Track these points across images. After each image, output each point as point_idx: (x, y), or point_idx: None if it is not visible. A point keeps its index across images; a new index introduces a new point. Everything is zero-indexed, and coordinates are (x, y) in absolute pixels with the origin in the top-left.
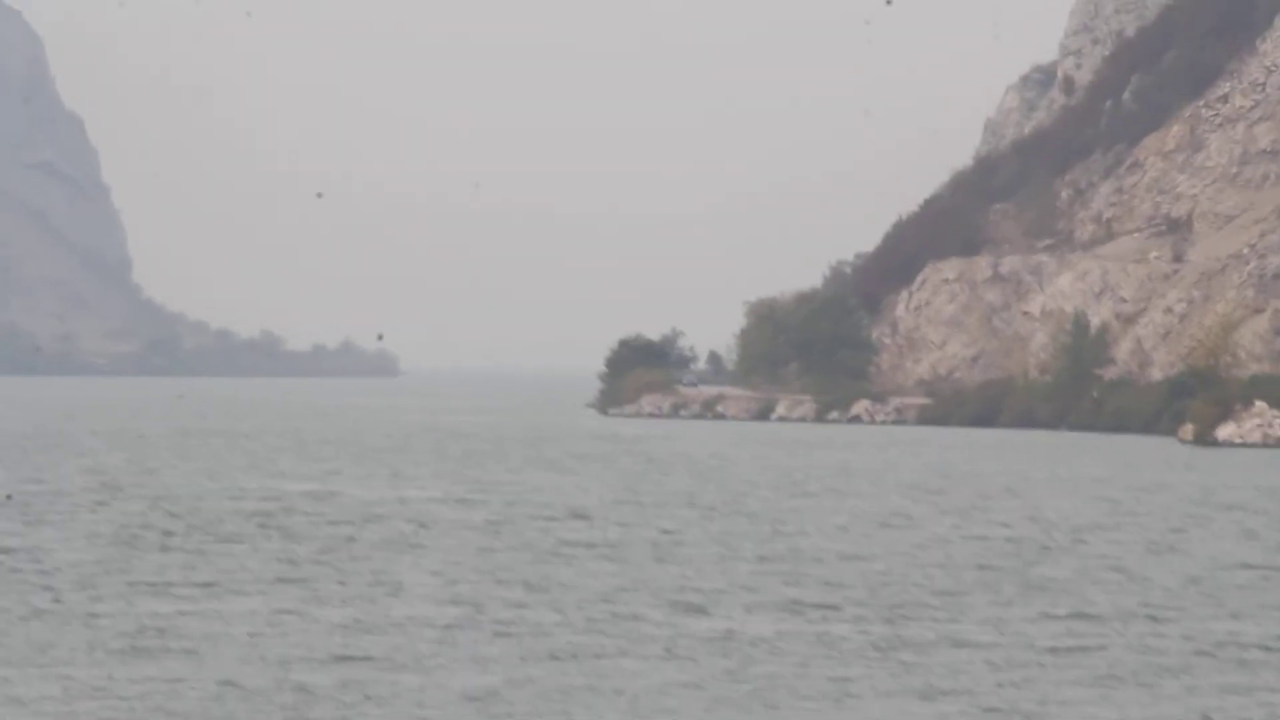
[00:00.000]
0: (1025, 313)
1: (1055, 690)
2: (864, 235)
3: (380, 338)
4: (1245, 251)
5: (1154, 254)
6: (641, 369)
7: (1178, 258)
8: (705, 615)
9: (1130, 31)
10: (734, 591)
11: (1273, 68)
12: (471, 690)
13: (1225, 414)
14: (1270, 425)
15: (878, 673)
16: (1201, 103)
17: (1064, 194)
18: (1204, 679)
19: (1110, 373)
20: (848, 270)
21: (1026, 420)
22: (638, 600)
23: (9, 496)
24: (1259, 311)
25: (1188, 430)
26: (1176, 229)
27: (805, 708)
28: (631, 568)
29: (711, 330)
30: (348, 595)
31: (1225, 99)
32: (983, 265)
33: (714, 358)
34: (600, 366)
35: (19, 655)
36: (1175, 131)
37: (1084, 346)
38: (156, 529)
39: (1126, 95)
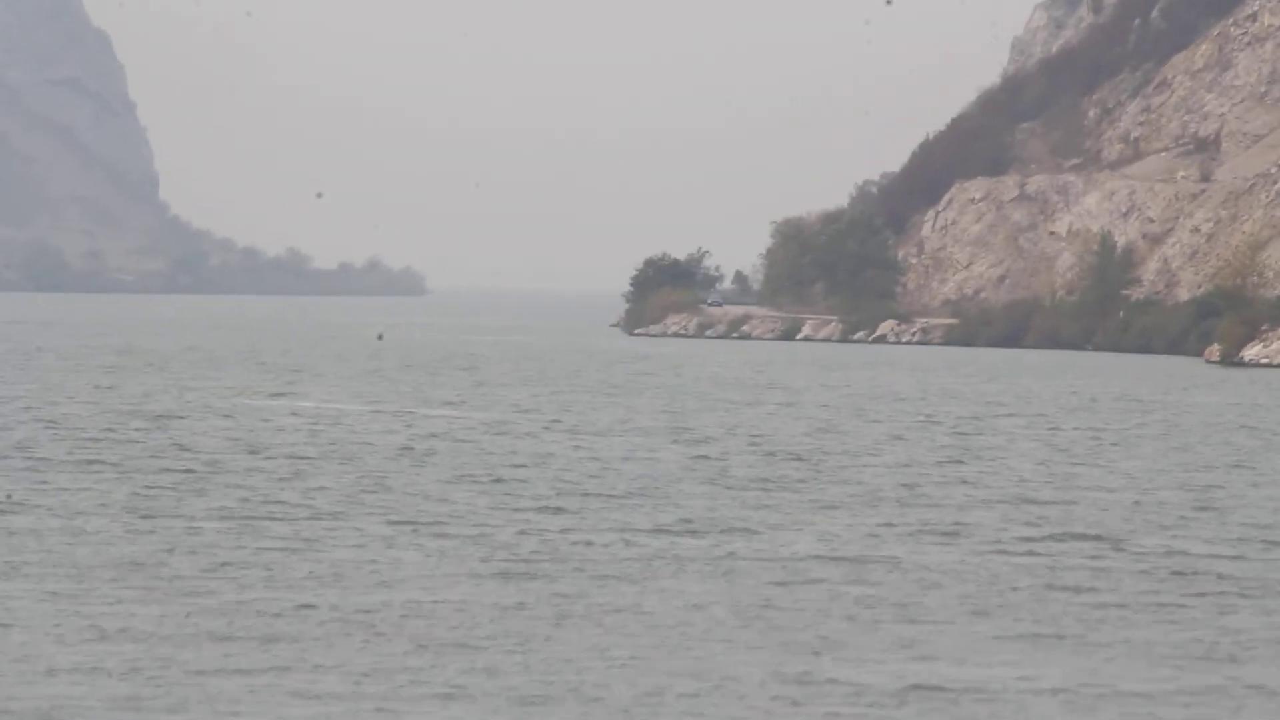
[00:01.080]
0: (1052, 232)
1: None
2: (891, 155)
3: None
4: (1273, 171)
5: (1181, 173)
6: (667, 289)
7: (1205, 177)
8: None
9: None
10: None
11: None
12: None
13: (1252, 334)
14: None
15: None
16: (1230, 21)
17: (1091, 113)
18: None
19: (1137, 293)
20: (874, 190)
21: (1053, 340)
22: None
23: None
24: None
25: (1214, 350)
26: (1204, 148)
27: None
28: None
29: (738, 250)
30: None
31: (1254, 17)
32: (1009, 185)
33: (740, 278)
34: (626, 287)
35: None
36: (1203, 50)
37: (1110, 266)
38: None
39: (1155, 13)
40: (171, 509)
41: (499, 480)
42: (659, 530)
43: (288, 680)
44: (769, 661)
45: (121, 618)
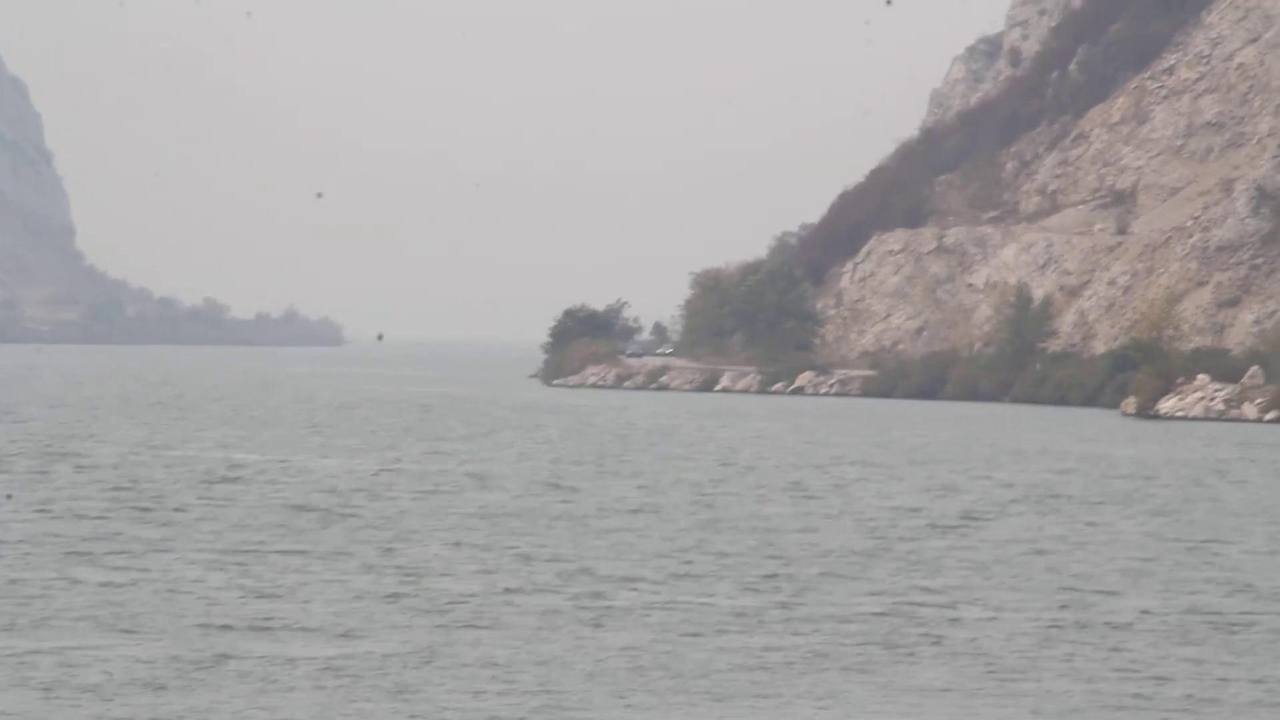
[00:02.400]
0: (970, 284)
1: None
2: (809, 206)
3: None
4: (1189, 224)
5: (1098, 226)
6: (586, 339)
7: (1122, 230)
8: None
9: (1077, 3)
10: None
11: (1218, 40)
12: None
13: (1167, 387)
14: (1212, 398)
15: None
16: (1147, 74)
17: (1009, 165)
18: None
19: (1054, 345)
20: (793, 241)
21: (970, 393)
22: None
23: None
24: (1202, 284)
25: (1130, 403)
26: (1121, 201)
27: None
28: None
29: (657, 301)
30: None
31: (1170, 71)
32: (927, 237)
33: (659, 328)
34: (544, 337)
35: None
36: (1120, 103)
37: (1027, 319)
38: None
39: (1072, 67)
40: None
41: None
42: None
43: None
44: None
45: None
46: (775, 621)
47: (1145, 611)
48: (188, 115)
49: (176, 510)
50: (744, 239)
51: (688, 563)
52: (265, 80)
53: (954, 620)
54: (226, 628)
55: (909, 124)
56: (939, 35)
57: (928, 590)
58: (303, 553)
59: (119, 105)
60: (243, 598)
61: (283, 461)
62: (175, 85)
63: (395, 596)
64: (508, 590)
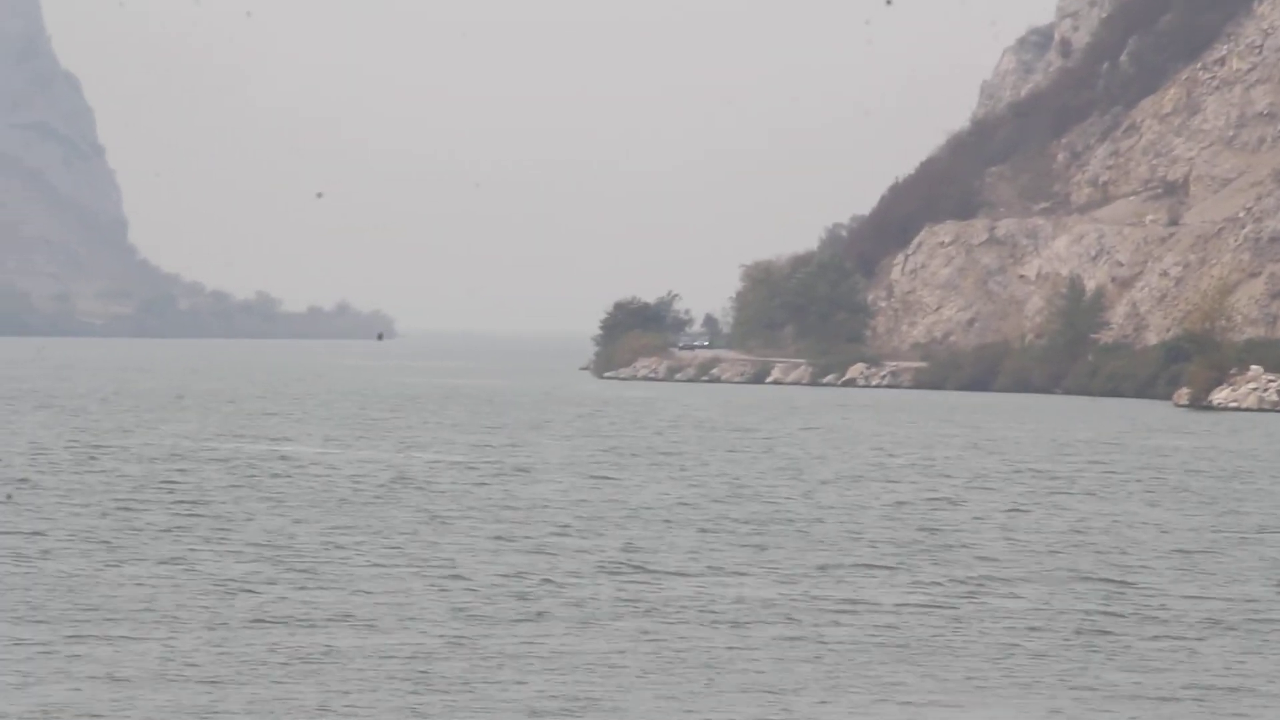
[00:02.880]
0: (1021, 276)
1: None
2: (860, 198)
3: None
4: (1241, 215)
5: (1150, 217)
6: (637, 332)
7: (1174, 221)
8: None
9: None
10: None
11: (1270, 30)
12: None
13: (1220, 378)
14: (1265, 389)
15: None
16: (1199, 65)
17: (1060, 157)
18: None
19: (1106, 336)
20: (844, 233)
21: (1022, 384)
22: None
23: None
24: (1255, 275)
25: (1183, 394)
26: (1173, 192)
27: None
28: None
29: (708, 293)
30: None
31: (1222, 62)
32: (979, 228)
33: (710, 321)
34: (595, 330)
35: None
36: (1172, 94)
37: (1079, 310)
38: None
39: (1123, 58)
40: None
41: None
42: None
43: None
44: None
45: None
46: (816, 612)
47: (1189, 597)
48: (234, 114)
49: (224, 504)
50: (795, 231)
51: (763, 553)
52: (302, 90)
53: (1004, 612)
54: (272, 621)
55: (959, 115)
56: (987, 29)
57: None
58: (350, 544)
59: (172, 98)
60: (292, 589)
61: (366, 457)
62: (228, 84)
63: (448, 585)
64: (549, 581)
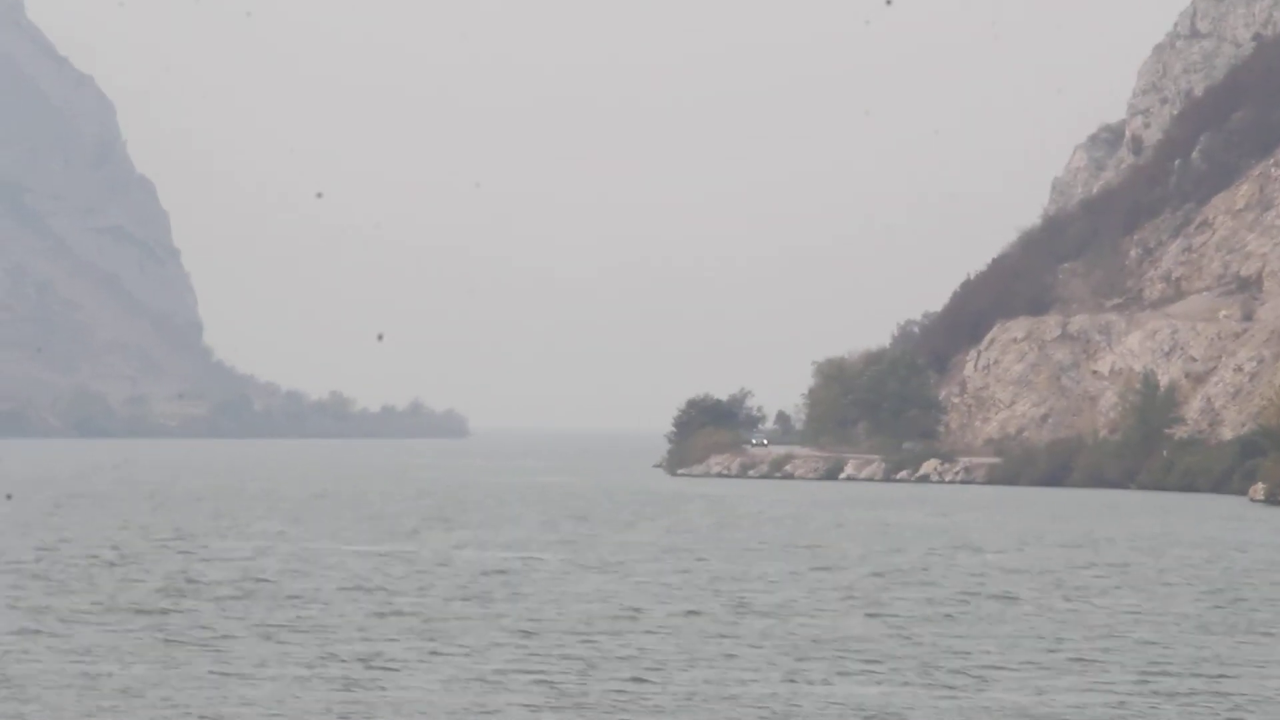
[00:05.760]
0: (1094, 371)
1: None
2: (932, 295)
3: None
4: None
5: (1223, 312)
6: (709, 428)
7: (1247, 316)
8: None
9: (1199, 91)
10: None
11: None
12: None
13: None
14: None
15: None
16: (1271, 161)
17: (1133, 253)
18: None
19: (1180, 431)
20: (915, 329)
21: (1096, 479)
22: None
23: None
24: None
25: (1259, 489)
26: (1246, 287)
27: None
28: None
29: (780, 390)
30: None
31: None
32: (1051, 324)
33: (782, 417)
34: (667, 427)
35: None
36: (1244, 190)
37: (1153, 405)
38: None
39: (1195, 154)
40: None
41: None
42: None
43: None
44: None
45: None
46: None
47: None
48: (307, 217)
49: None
50: (866, 326)
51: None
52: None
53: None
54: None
55: (1031, 212)
56: (1056, 125)
57: None
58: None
59: (244, 203)
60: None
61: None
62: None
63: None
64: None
